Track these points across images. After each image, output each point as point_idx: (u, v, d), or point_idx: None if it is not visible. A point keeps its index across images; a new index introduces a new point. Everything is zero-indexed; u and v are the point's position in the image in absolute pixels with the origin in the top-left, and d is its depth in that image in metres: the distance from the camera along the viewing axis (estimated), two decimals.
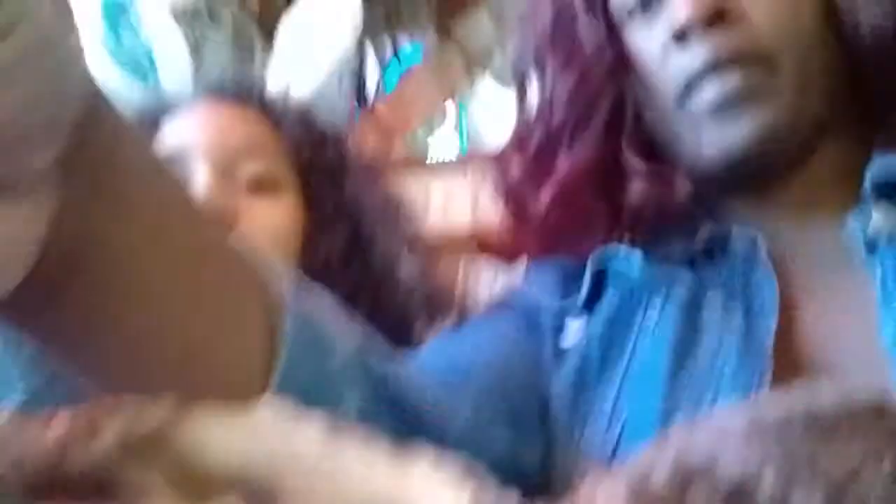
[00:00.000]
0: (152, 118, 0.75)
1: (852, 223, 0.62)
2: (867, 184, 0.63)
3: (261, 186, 0.69)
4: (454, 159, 1.40)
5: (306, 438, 0.19)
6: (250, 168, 0.69)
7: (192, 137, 0.71)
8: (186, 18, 1.19)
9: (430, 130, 1.55)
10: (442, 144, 1.76)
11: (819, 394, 0.16)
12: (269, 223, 0.69)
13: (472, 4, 1.55)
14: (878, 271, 0.59)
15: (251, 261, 0.38)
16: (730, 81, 0.61)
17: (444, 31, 1.56)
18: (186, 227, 0.34)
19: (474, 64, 1.52)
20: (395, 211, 0.79)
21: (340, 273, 0.72)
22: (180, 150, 0.70)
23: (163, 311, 0.33)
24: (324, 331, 0.43)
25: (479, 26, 1.52)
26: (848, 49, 0.65)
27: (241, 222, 0.66)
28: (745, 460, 0.16)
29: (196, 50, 1.34)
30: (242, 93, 0.74)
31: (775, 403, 0.17)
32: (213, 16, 1.22)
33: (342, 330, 0.45)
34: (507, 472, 0.43)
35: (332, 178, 0.74)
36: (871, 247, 0.61)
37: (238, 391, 0.37)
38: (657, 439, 0.18)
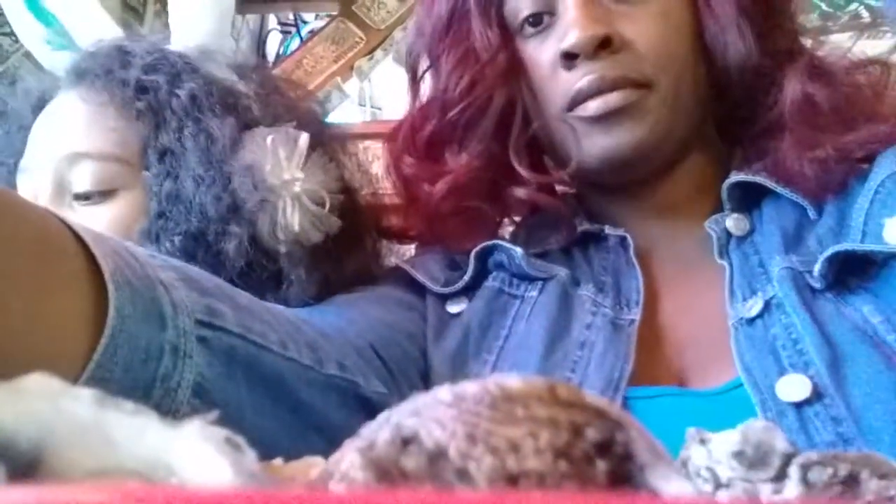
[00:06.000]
0: (38, 99, 0.73)
1: (709, 227, 0.69)
2: (723, 194, 0.69)
3: (91, 197, 0.67)
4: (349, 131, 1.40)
5: (76, 404, 0.20)
6: (80, 183, 0.67)
7: (43, 145, 0.69)
8: None
9: (327, 103, 1.55)
10: (343, 118, 1.76)
11: (511, 379, 0.19)
12: (102, 229, 0.66)
13: None
14: (727, 269, 0.66)
15: (65, 245, 0.39)
16: (611, 100, 0.67)
17: (346, 7, 1.55)
18: None
19: (375, 42, 1.53)
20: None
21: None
22: (33, 157, 0.69)
23: None
24: (159, 303, 0.44)
25: (381, 5, 1.52)
26: (714, 78, 0.71)
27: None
28: (443, 427, 0.18)
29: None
30: (104, 79, 0.69)
31: (478, 382, 0.19)
32: None
33: (183, 300, 0.46)
34: None
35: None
36: (723, 248, 0.68)
37: (61, 364, 0.38)
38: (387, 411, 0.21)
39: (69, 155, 0.67)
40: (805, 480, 0.28)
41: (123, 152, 0.67)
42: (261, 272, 0.66)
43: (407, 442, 0.19)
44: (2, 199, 0.36)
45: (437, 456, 0.18)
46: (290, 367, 0.53)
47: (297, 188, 0.65)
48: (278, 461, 0.31)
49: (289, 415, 0.53)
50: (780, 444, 0.31)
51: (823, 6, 1.75)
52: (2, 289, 0.34)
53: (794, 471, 0.30)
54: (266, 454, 0.29)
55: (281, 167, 0.64)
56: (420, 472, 0.19)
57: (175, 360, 0.44)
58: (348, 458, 0.21)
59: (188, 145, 0.66)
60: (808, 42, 0.74)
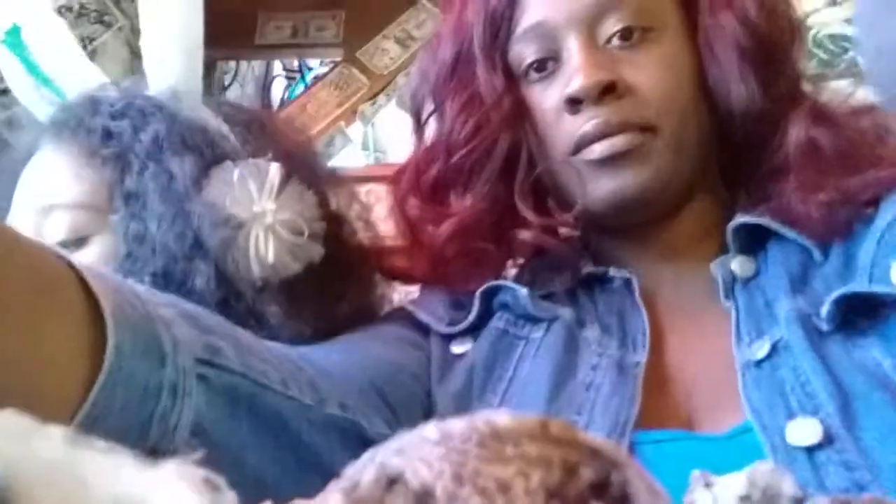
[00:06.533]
0: (27, 154, 0.74)
1: (714, 269, 0.68)
2: (728, 236, 0.69)
3: (66, 246, 0.67)
4: (349, 175, 1.41)
5: (46, 441, 0.19)
6: (54, 233, 0.68)
7: (23, 200, 0.71)
8: (71, 19, 1.15)
9: (330, 147, 1.57)
10: (346, 163, 1.77)
11: (500, 416, 0.18)
12: None
13: (379, 30, 1.58)
14: (733, 311, 0.66)
15: (65, 281, 0.39)
16: (617, 143, 0.67)
17: (351, 53, 1.57)
18: None
19: (378, 87, 1.54)
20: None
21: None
22: (15, 212, 0.71)
23: None
24: (159, 340, 0.43)
25: (384, 52, 1.54)
26: (718, 122, 0.72)
27: None
28: (429, 466, 0.17)
29: (90, 54, 1.31)
30: (74, 129, 0.71)
31: (466, 419, 0.18)
32: (102, 17, 1.19)
33: (184, 338, 0.45)
34: None
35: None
36: (729, 290, 0.67)
37: (57, 400, 0.37)
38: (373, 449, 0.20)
39: (43, 208, 0.68)
40: None
41: (92, 200, 0.68)
42: (238, 309, 0.65)
43: (392, 482, 0.18)
44: (3, 234, 0.36)
45: (424, 497, 0.17)
46: (292, 407, 0.52)
47: (269, 219, 0.64)
48: None
49: (290, 455, 0.52)
50: (789, 487, 0.30)
51: (821, 54, 1.77)
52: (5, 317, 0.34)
53: None
54: (266, 494, 0.28)
55: (251, 199, 0.64)
56: None
57: (174, 399, 0.44)
58: (332, 501, 0.20)
59: (150, 186, 0.67)
60: (808, 88, 0.75)
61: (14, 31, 0.96)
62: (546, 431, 0.17)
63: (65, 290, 0.39)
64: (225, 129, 0.71)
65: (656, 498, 0.17)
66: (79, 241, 0.67)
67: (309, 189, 0.68)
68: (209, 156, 0.69)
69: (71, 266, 0.40)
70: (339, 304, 0.72)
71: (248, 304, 0.66)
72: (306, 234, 0.66)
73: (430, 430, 0.18)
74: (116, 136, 0.69)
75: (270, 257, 0.64)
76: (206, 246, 0.64)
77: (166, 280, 0.64)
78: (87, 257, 0.67)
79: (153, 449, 0.42)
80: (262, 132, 0.74)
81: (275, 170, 0.66)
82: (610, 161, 0.67)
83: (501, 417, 0.18)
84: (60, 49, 0.84)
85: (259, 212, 0.64)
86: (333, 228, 0.71)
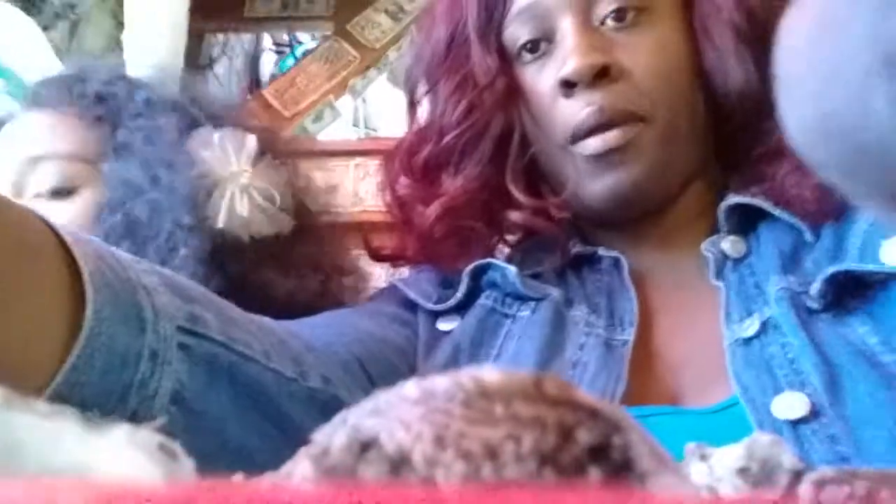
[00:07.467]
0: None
1: (705, 250, 0.67)
2: (721, 216, 0.68)
3: (57, 194, 0.71)
4: (339, 148, 1.40)
5: None
6: (42, 182, 0.71)
7: (3, 148, 0.74)
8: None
9: (319, 121, 1.54)
10: (337, 137, 1.74)
11: (489, 372, 0.16)
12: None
13: (370, 2, 1.55)
14: (723, 290, 0.65)
15: (44, 244, 0.38)
16: (610, 139, 0.66)
17: (341, 26, 1.54)
18: None
19: (369, 61, 1.51)
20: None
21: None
22: None
23: None
24: (140, 307, 0.42)
25: (375, 24, 1.51)
26: (714, 105, 0.71)
27: None
28: (407, 428, 0.15)
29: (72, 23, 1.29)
30: (62, 95, 0.75)
31: (450, 376, 0.16)
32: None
33: (165, 306, 0.44)
34: None
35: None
36: (719, 270, 0.66)
37: (34, 366, 0.36)
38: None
39: (30, 158, 0.71)
40: (817, 499, 0.25)
41: (84, 152, 0.71)
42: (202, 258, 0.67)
43: (365, 447, 0.16)
44: None
45: (400, 463, 0.15)
46: (274, 379, 0.52)
47: (244, 179, 0.68)
48: (238, 478, 0.28)
49: (271, 426, 0.52)
50: (788, 459, 0.28)
51: None
52: None
53: (805, 489, 0.27)
54: (248, 464, 0.27)
55: (228, 160, 0.68)
56: (380, 481, 0.15)
57: (153, 366, 0.43)
58: (300, 468, 0.18)
59: (138, 136, 0.71)
60: None
61: None
62: (540, 390, 0.15)
63: (46, 255, 0.38)
64: (199, 111, 0.76)
65: (661, 463, 0.15)
66: (68, 192, 0.70)
67: (281, 165, 0.73)
68: (194, 118, 0.73)
69: (53, 230, 0.39)
70: (292, 288, 0.74)
71: (216, 261, 0.69)
72: (278, 203, 0.70)
73: (409, 387, 0.16)
74: (110, 97, 0.73)
75: (245, 212, 0.67)
76: (182, 195, 0.67)
77: (138, 225, 0.67)
78: (76, 207, 0.70)
79: (133, 415, 0.42)
80: (237, 113, 0.80)
81: (252, 140, 0.69)
82: (605, 156, 0.67)
83: (490, 374, 0.16)
84: (30, 50, 0.89)
85: (235, 172, 0.68)
86: (302, 207, 0.76)
